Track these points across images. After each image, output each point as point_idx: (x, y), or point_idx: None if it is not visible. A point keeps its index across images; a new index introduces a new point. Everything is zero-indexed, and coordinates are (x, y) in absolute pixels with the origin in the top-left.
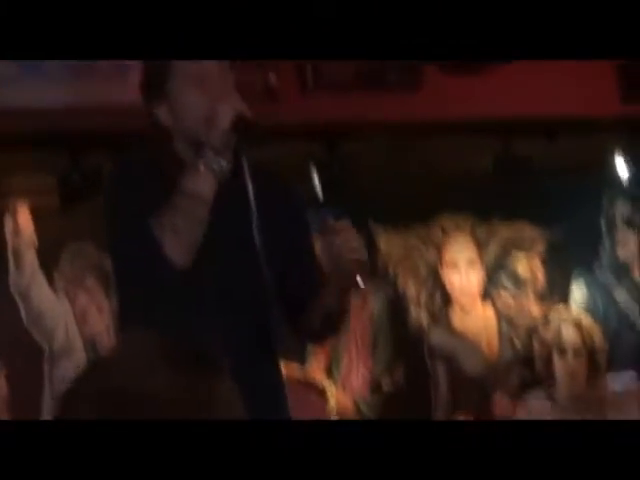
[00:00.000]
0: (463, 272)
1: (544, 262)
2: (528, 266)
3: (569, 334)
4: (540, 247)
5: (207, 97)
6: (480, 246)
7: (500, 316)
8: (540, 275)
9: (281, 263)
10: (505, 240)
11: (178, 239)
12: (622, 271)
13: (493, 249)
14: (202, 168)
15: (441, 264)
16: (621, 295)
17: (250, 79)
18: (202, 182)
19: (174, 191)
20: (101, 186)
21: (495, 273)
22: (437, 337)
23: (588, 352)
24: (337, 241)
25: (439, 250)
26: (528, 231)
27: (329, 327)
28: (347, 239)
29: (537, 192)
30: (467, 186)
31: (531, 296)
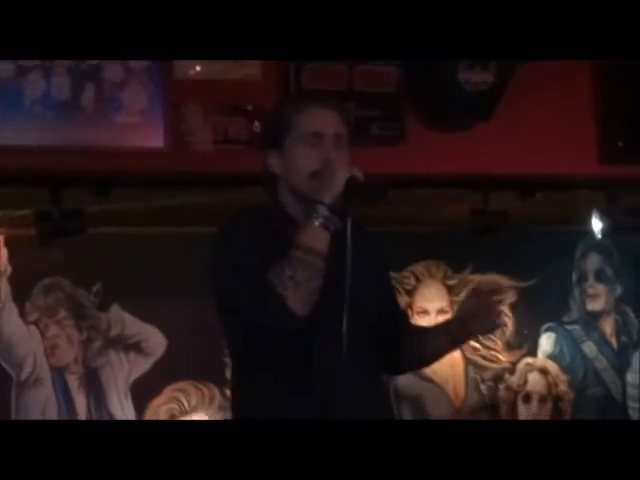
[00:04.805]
0: (433, 318)
1: (514, 312)
2: None
3: (535, 381)
4: (511, 297)
5: (321, 157)
6: (451, 294)
7: (468, 362)
8: (510, 324)
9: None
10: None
11: (300, 291)
12: (591, 323)
13: (464, 297)
14: (317, 225)
15: (412, 310)
16: (589, 346)
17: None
18: (318, 238)
19: (290, 246)
20: (79, 224)
21: None
22: (404, 380)
23: (553, 399)
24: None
25: (410, 296)
26: (499, 281)
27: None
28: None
29: (512, 245)
30: (444, 238)
31: (499, 344)
